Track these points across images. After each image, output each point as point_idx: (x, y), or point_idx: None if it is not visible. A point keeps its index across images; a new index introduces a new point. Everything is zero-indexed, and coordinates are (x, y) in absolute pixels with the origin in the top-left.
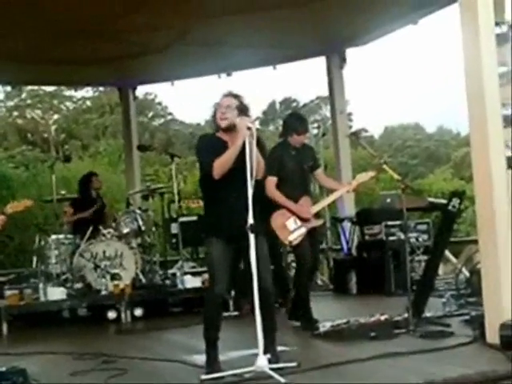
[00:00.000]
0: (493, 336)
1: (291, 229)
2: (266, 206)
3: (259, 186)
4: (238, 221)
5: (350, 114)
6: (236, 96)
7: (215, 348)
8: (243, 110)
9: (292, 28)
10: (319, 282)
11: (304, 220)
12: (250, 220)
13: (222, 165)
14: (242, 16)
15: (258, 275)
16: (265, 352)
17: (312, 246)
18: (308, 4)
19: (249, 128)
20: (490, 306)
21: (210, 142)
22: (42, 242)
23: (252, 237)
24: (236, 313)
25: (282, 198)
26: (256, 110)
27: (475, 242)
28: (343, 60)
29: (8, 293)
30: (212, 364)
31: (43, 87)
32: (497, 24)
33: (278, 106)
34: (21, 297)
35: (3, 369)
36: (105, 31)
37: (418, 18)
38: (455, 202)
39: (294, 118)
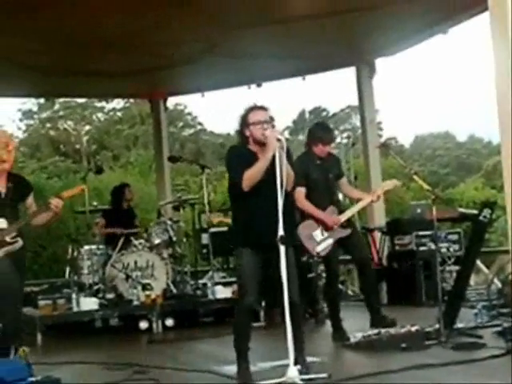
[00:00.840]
0: None
1: (318, 240)
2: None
3: (288, 197)
4: (268, 231)
5: (379, 123)
6: (265, 109)
7: (246, 358)
8: (271, 121)
9: (320, 39)
10: (350, 292)
11: (331, 231)
12: (281, 231)
13: (251, 177)
14: (269, 27)
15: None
16: (295, 363)
17: (352, 256)
18: (337, 14)
19: (278, 140)
20: None
21: (240, 154)
22: (75, 253)
23: (282, 248)
24: (264, 323)
25: (312, 207)
26: (286, 119)
27: (507, 252)
28: (373, 70)
29: (41, 303)
30: (243, 374)
31: (75, 98)
32: None
33: (307, 115)
34: (54, 307)
35: (38, 378)
36: (135, 44)
37: (447, 27)
38: (486, 212)
39: (319, 128)
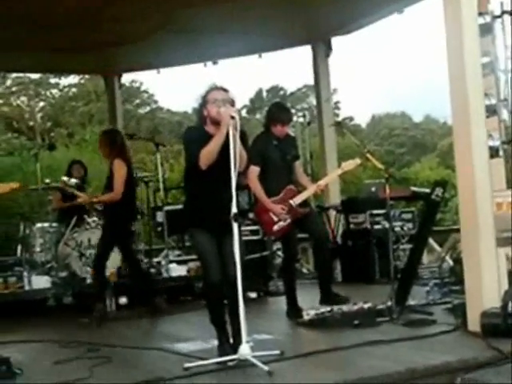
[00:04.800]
0: (474, 324)
1: (275, 219)
2: None
3: (240, 177)
4: (221, 212)
5: (337, 103)
6: (225, 90)
7: (225, 332)
8: (232, 103)
9: (276, 16)
10: (304, 270)
11: (289, 210)
12: (234, 209)
13: (208, 154)
14: (225, 4)
15: (227, 265)
16: (234, 340)
17: (310, 232)
18: None
19: (232, 117)
20: (472, 295)
21: (197, 134)
22: (27, 231)
23: (235, 226)
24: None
25: (260, 191)
26: (243, 98)
27: (459, 230)
28: (329, 48)
29: None
30: (224, 348)
31: (28, 74)
32: (480, 14)
33: (264, 94)
34: (5, 285)
35: None
36: (87, 20)
37: (403, 6)
38: (438, 191)
39: (277, 108)
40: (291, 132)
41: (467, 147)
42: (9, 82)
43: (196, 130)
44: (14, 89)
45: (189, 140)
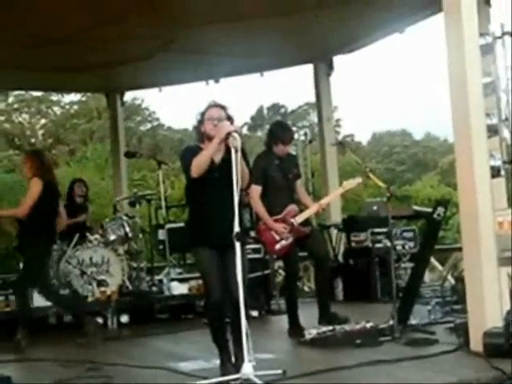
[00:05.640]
0: (476, 344)
1: (277, 238)
2: None
3: (242, 195)
4: (223, 229)
5: (338, 120)
6: (223, 107)
7: (227, 351)
8: (229, 120)
9: (278, 36)
10: (306, 288)
11: (291, 229)
12: (236, 228)
13: (199, 162)
14: (227, 25)
15: (229, 284)
16: (236, 359)
17: (311, 251)
18: (294, 13)
19: (228, 133)
20: (474, 314)
21: (192, 152)
22: None
23: (238, 245)
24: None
25: (262, 210)
26: (244, 115)
27: (461, 249)
28: (330, 67)
29: None
30: (226, 367)
31: (30, 91)
32: (481, 35)
33: (265, 111)
34: (6, 303)
35: None
36: (89, 39)
37: (404, 26)
38: (440, 210)
39: (279, 127)
40: (292, 150)
41: (469, 166)
42: (11, 99)
43: (192, 149)
44: (15, 106)
45: (184, 157)
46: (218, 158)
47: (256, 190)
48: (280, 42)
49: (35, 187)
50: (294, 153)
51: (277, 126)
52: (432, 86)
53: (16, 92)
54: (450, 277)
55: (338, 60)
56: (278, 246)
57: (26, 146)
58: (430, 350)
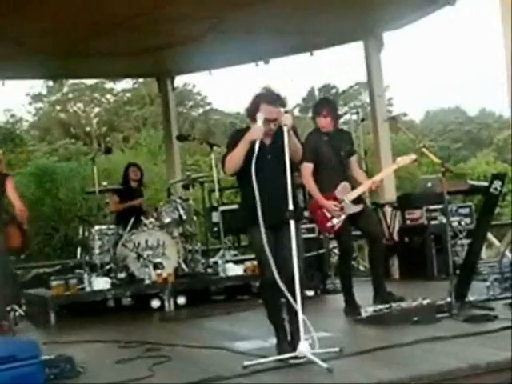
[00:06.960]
0: None
1: (329, 216)
2: None
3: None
4: (277, 209)
5: (390, 99)
6: (275, 92)
7: (283, 330)
8: (282, 103)
9: (327, 13)
10: (361, 267)
11: (342, 206)
12: (290, 206)
13: (231, 160)
14: (275, 3)
15: (285, 262)
16: (292, 337)
17: (364, 230)
18: None
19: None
20: None
21: (239, 137)
22: (86, 233)
23: (292, 223)
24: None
25: (313, 187)
26: (295, 97)
27: None
28: (381, 44)
29: (54, 283)
30: (283, 346)
31: (84, 81)
32: None
33: (316, 92)
34: (66, 287)
35: (52, 356)
36: (141, 23)
37: None
38: (497, 184)
39: (317, 102)
40: (345, 127)
41: None
42: (65, 89)
43: (241, 133)
44: (70, 95)
45: (230, 144)
46: (268, 141)
47: (307, 167)
48: (329, 19)
49: None
50: (347, 129)
51: (316, 102)
52: (486, 60)
53: (70, 81)
54: (507, 252)
55: (388, 37)
56: (329, 224)
57: (81, 135)
58: (490, 326)
